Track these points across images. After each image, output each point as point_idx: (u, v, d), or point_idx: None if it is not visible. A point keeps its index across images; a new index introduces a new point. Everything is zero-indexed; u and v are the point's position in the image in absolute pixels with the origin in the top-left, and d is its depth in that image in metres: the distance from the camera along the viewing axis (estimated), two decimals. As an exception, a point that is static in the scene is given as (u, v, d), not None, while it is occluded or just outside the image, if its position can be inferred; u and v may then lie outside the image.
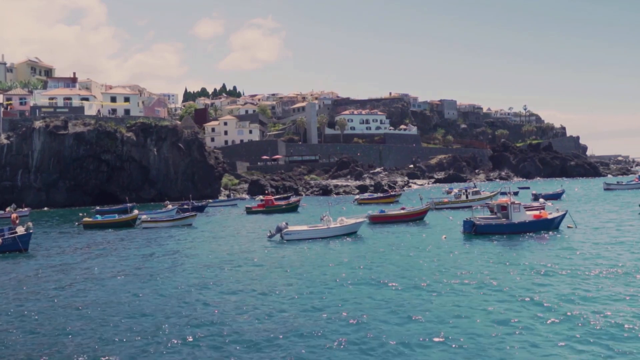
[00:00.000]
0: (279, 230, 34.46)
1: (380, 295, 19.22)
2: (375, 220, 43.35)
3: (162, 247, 33.87)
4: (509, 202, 35.06)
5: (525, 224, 34.33)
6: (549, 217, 35.46)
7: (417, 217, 44.32)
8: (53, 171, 78.62)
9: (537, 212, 36.03)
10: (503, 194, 75.96)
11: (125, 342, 15.06)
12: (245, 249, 32.13)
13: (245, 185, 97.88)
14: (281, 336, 15.06)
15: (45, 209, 75.45)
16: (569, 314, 16.25)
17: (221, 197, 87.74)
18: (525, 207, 36.95)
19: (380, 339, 14.60)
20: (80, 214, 56.76)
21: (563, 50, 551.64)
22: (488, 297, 18.62)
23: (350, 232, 35.79)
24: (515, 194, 76.14)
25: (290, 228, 34.85)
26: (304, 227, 35.77)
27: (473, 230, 34.19)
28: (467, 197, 56.80)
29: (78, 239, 39.84)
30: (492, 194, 57.98)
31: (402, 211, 44.86)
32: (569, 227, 35.96)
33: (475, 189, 58.64)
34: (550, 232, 33.90)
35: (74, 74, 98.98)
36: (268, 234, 35.17)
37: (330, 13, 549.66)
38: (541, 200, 48.09)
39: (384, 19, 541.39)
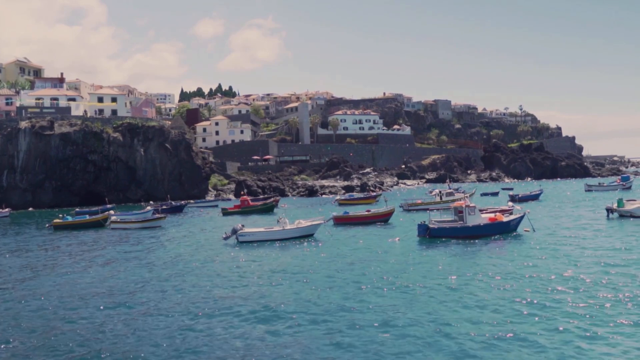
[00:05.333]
0: (235, 232, 34.61)
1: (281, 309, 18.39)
2: (339, 222, 43.63)
3: (114, 252, 33.85)
4: (464, 205, 35.24)
5: (480, 227, 34.43)
6: (505, 220, 35.63)
7: (381, 219, 44.53)
8: (39, 172, 79.18)
9: (492, 215, 36.18)
10: (494, 194, 76.57)
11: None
12: (195, 253, 32.16)
13: (234, 186, 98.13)
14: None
15: (30, 209, 75.97)
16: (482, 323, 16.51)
17: (209, 198, 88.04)
18: (481, 210, 37.15)
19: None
20: (60, 215, 57.12)
21: (561, 50, 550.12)
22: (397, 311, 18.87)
23: (307, 234, 36.02)
24: (495, 194, 76.76)
25: (246, 230, 35.08)
26: (260, 229, 36.05)
27: (427, 234, 34.36)
28: (441, 198, 57.01)
29: (41, 240, 40.20)
30: (465, 195, 58.01)
31: (366, 213, 45.14)
32: (525, 230, 36.03)
33: (449, 191, 58.85)
34: (505, 236, 34.04)
35: (62, 74, 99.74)
36: (223, 236, 35.24)
37: (330, 13, 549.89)
38: (510, 203, 48.20)
39: (382, 20, 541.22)
